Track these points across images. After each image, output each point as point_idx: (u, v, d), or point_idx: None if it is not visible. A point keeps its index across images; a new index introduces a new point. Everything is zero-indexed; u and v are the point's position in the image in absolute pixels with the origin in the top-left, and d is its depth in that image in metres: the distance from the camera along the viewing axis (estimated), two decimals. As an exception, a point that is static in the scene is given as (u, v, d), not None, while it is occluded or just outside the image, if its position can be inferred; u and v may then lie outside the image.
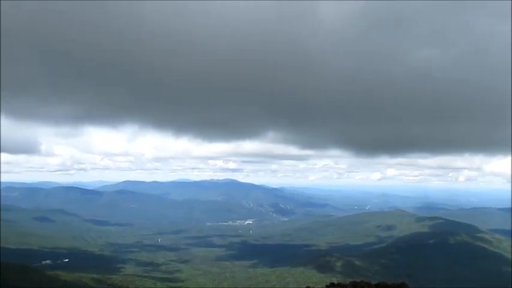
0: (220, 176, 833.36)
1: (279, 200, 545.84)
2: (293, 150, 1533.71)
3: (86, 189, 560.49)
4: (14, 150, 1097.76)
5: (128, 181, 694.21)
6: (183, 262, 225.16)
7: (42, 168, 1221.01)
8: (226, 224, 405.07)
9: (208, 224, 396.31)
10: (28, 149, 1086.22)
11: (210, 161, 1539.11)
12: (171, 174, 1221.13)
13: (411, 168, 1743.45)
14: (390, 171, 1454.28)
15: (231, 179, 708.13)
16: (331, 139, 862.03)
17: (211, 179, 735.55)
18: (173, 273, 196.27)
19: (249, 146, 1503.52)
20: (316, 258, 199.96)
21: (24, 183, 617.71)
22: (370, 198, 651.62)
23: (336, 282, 42.65)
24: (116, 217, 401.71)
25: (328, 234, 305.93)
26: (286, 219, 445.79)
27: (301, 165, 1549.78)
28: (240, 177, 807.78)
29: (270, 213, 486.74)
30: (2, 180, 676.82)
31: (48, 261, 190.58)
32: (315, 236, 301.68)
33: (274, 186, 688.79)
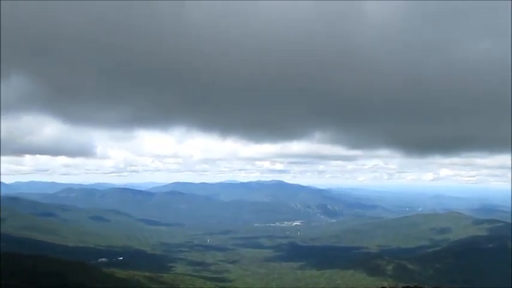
0: (268, 177, 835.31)
1: (327, 201, 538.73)
2: (341, 150, 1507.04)
3: (138, 190, 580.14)
4: (72, 153, 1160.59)
5: (178, 182, 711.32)
6: (232, 262, 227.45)
7: (98, 170, 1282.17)
8: (273, 225, 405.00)
9: (255, 224, 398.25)
10: (85, 152, 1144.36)
11: (257, 162, 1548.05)
12: (219, 175, 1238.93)
13: (467, 169, 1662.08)
14: (444, 172, 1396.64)
15: (278, 180, 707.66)
16: (381, 138, 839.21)
17: (258, 180, 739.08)
18: (222, 273, 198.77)
19: (295, 146, 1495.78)
20: (366, 260, 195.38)
21: (82, 185, 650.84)
22: (422, 200, 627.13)
23: (387, 286, 41.39)
24: (167, 217, 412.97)
25: (378, 236, 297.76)
26: (334, 220, 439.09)
27: (349, 165, 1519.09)
28: (287, 178, 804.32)
29: (318, 214, 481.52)
30: (62, 181, 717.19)
31: (104, 259, 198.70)
32: (364, 238, 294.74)
33: (321, 187, 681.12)
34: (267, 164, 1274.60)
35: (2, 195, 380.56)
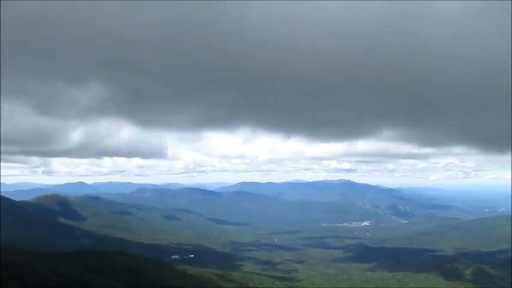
0: (334, 177, 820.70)
1: (397, 201, 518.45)
2: (411, 148, 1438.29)
3: (207, 190, 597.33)
4: (146, 155, 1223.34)
5: (245, 182, 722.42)
6: (299, 262, 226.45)
7: (169, 171, 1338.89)
8: (341, 225, 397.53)
9: (323, 224, 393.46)
10: (157, 154, 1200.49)
11: (323, 162, 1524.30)
12: (285, 175, 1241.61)
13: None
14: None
15: (346, 180, 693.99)
16: (455, 135, 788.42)
17: (325, 180, 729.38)
18: (290, 272, 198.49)
19: (363, 145, 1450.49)
20: (441, 264, 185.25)
21: (155, 185, 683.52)
22: (503, 200, 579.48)
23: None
24: (234, 216, 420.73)
25: (454, 238, 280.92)
26: (406, 221, 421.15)
27: (421, 164, 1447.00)
28: (355, 178, 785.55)
29: (388, 214, 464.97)
30: (137, 182, 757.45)
31: (176, 256, 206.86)
32: (439, 240, 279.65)
33: (391, 187, 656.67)
34: (333, 163, 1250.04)
35: (84, 195, 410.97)
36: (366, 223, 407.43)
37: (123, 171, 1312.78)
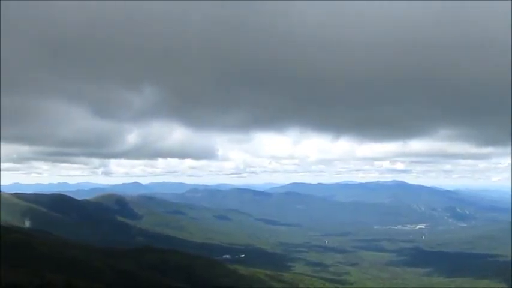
0: (387, 178, 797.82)
1: (455, 204, 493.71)
2: (470, 148, 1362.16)
3: (257, 191, 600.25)
4: (197, 156, 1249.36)
5: (295, 183, 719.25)
6: (352, 265, 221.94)
7: (220, 171, 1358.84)
8: (395, 227, 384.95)
9: (375, 227, 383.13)
10: (208, 155, 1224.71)
11: (375, 162, 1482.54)
12: (335, 176, 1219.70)
13: None
14: None
15: (399, 181, 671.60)
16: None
17: (377, 181, 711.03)
18: (341, 275, 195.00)
19: (418, 145, 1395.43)
20: (505, 270, 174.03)
21: (206, 185, 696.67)
22: None
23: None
24: (284, 217, 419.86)
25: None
26: (465, 225, 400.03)
27: (481, 164, 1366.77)
28: (409, 179, 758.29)
29: (445, 217, 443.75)
30: (189, 182, 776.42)
31: (227, 256, 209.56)
32: (502, 246, 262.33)
33: (448, 188, 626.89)
34: (386, 164, 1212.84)
35: (139, 194, 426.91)
36: (421, 226, 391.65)
37: (176, 171, 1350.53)
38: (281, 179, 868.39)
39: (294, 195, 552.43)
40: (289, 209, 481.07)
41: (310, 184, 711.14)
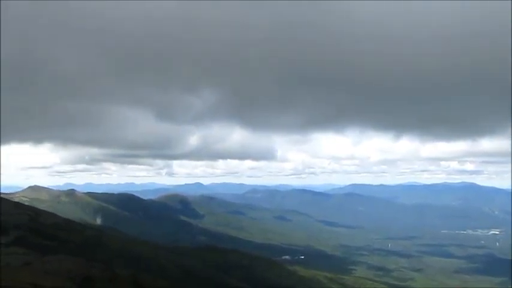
0: (456, 179, 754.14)
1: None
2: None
3: (317, 192, 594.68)
4: (257, 157, 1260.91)
5: (355, 184, 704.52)
6: (416, 270, 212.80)
7: (279, 172, 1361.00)
8: (464, 232, 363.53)
9: (443, 231, 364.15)
10: (267, 155, 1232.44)
11: (442, 163, 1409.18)
12: (398, 177, 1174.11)
13: None
14: None
15: (469, 182, 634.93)
16: None
17: (444, 182, 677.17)
18: (405, 281, 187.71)
19: (489, 143, 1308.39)
20: None
21: (265, 186, 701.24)
22: None
23: None
24: (345, 219, 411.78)
25: None
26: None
27: None
28: (480, 180, 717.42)
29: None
30: (248, 183, 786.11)
31: (287, 257, 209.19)
32: None
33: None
34: (454, 164, 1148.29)
35: (201, 195, 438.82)
36: (495, 231, 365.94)
37: (236, 172, 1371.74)
38: (341, 180, 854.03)
39: (355, 197, 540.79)
40: (350, 211, 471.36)
41: (371, 185, 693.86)
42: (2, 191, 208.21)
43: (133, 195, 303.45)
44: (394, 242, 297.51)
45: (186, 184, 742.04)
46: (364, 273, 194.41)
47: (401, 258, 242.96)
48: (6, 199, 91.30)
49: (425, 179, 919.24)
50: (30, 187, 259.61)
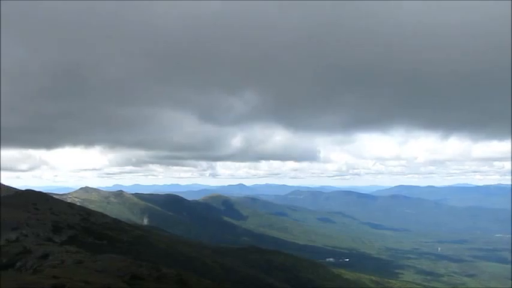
0: (510, 180, 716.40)
1: None
2: None
3: (361, 193, 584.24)
4: (299, 158, 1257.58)
5: (401, 186, 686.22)
6: (469, 276, 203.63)
7: (322, 173, 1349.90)
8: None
9: (497, 235, 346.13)
10: (310, 156, 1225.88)
11: (495, 163, 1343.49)
12: (448, 178, 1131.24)
13: None
14: None
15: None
16: None
17: (498, 184, 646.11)
18: (456, 286, 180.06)
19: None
20: None
21: (309, 187, 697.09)
22: None
23: None
24: (391, 221, 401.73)
25: None
26: None
27: None
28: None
29: None
30: (291, 184, 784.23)
31: (331, 259, 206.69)
32: None
33: None
34: (508, 165, 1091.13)
35: (244, 196, 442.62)
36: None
37: (279, 173, 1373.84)
38: (387, 181, 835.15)
39: (401, 199, 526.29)
40: (396, 213, 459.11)
41: (419, 187, 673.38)
42: (56, 192, 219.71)
43: (178, 196, 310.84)
44: (444, 246, 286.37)
45: (229, 185, 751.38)
46: (412, 277, 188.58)
47: (452, 263, 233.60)
48: (60, 200, 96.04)
49: (477, 180, 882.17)
50: (81, 188, 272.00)
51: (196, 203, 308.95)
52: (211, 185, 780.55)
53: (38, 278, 24.59)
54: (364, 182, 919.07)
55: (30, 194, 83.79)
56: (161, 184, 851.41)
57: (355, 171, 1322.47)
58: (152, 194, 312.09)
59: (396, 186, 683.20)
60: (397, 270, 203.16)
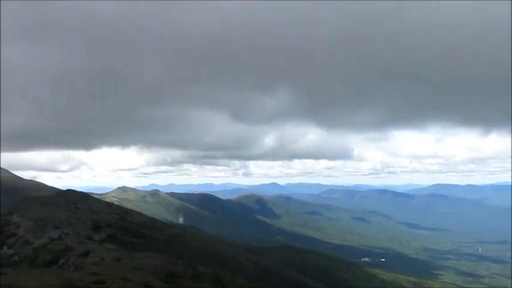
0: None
1: None
2: None
3: (397, 192, 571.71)
4: (332, 156, 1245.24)
5: (439, 184, 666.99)
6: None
7: (356, 172, 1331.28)
8: None
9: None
10: (343, 155, 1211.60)
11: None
12: (488, 176, 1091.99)
13: None
14: None
15: None
16: None
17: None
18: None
19: None
20: None
21: (343, 186, 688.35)
22: None
23: None
24: (429, 221, 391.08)
25: None
26: None
27: None
28: None
29: None
30: (325, 183, 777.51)
31: (366, 259, 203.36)
32: None
33: None
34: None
35: (277, 195, 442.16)
36: None
37: (312, 172, 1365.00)
38: (424, 180, 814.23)
39: (439, 198, 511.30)
40: (434, 212, 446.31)
41: (457, 185, 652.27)
42: (95, 192, 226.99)
43: (212, 196, 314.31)
44: (484, 247, 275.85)
45: (262, 184, 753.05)
46: (452, 278, 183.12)
47: (494, 264, 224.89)
48: (99, 199, 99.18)
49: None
50: (119, 188, 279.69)
51: (230, 202, 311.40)
52: (245, 184, 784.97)
53: (79, 275, 25.55)
54: (400, 181, 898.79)
55: (70, 194, 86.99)
56: (195, 183, 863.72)
57: (391, 169, 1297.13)
58: (187, 194, 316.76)
59: (434, 185, 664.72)
60: (436, 271, 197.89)
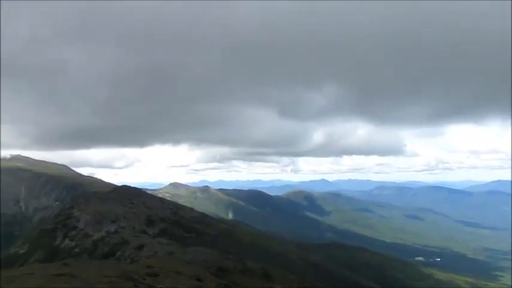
0: None
1: None
2: None
3: (453, 189, 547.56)
4: (383, 152, 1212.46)
5: (500, 181, 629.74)
6: None
7: (408, 168, 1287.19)
8: None
9: None
10: (394, 151, 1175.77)
11: None
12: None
13: None
14: None
15: None
16: None
17: None
18: None
19: None
20: None
21: (394, 183, 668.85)
22: None
23: None
24: (488, 220, 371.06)
25: None
26: None
27: None
28: None
29: None
30: (375, 179, 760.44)
31: (420, 258, 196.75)
32: None
33: None
34: None
35: (326, 191, 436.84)
36: None
37: (362, 168, 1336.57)
38: (482, 177, 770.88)
39: (500, 195, 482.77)
40: (495, 211, 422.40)
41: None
42: (149, 188, 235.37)
43: (261, 192, 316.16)
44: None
45: (311, 181, 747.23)
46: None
47: None
48: (152, 195, 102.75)
49: None
50: (171, 184, 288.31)
51: (279, 199, 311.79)
52: (294, 180, 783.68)
53: (135, 268, 26.63)
54: (456, 177, 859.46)
55: (126, 189, 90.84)
56: (244, 180, 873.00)
57: (446, 165, 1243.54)
58: (236, 190, 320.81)
59: (494, 182, 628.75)
60: (496, 272, 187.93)
